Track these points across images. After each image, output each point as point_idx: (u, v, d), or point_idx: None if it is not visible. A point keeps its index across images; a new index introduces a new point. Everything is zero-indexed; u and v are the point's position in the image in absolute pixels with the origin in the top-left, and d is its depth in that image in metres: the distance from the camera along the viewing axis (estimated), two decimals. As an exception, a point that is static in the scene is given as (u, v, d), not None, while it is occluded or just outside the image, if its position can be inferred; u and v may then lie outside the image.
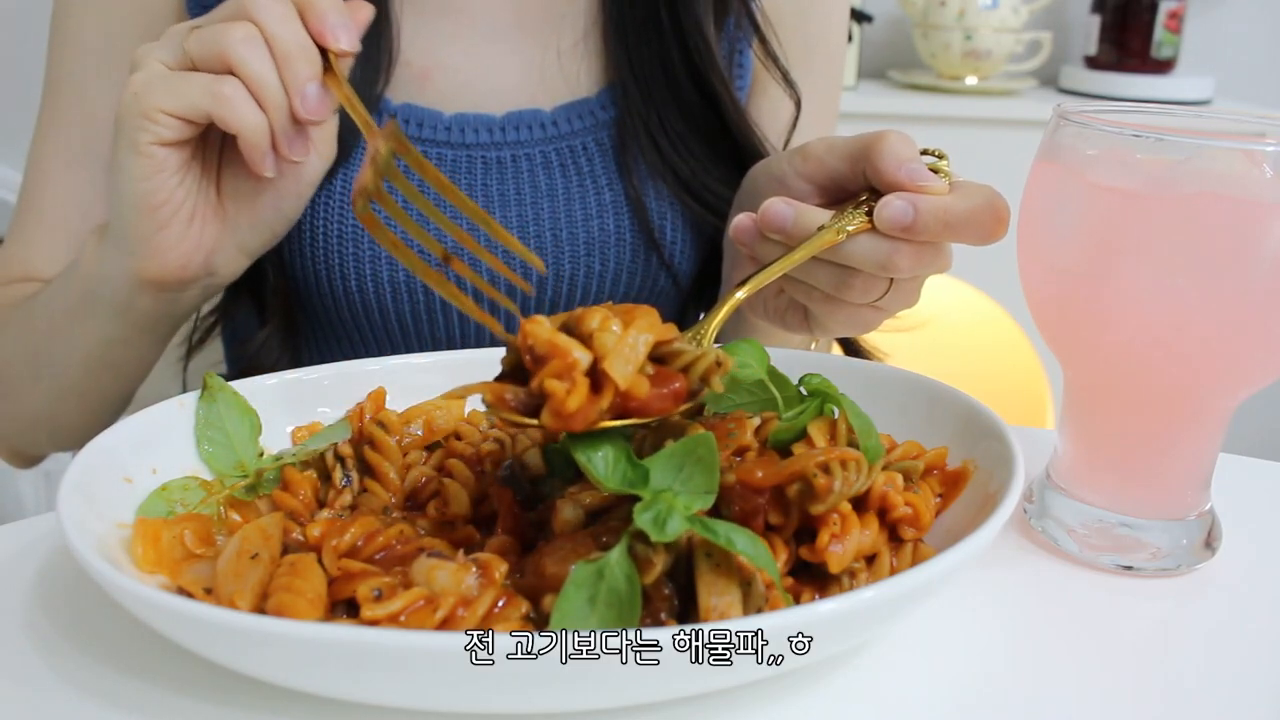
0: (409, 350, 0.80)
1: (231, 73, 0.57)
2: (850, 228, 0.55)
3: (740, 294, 0.56)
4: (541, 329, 0.44)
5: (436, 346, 0.80)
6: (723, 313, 0.56)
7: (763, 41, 0.82)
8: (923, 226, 0.54)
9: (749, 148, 0.80)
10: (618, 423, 0.44)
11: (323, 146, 0.64)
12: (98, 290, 0.67)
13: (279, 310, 0.78)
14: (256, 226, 0.66)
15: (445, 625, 0.39)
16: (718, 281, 0.85)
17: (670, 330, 0.47)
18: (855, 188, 0.59)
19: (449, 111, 0.79)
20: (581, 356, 0.43)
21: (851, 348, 0.83)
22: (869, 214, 0.56)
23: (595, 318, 0.45)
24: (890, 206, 0.54)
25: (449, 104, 0.79)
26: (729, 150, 0.80)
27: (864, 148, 0.57)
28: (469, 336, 0.80)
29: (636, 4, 0.79)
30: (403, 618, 0.40)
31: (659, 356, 0.47)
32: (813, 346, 0.80)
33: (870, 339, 0.83)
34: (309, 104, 0.57)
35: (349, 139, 0.72)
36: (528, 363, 0.44)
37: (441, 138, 0.78)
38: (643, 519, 0.39)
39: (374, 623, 0.39)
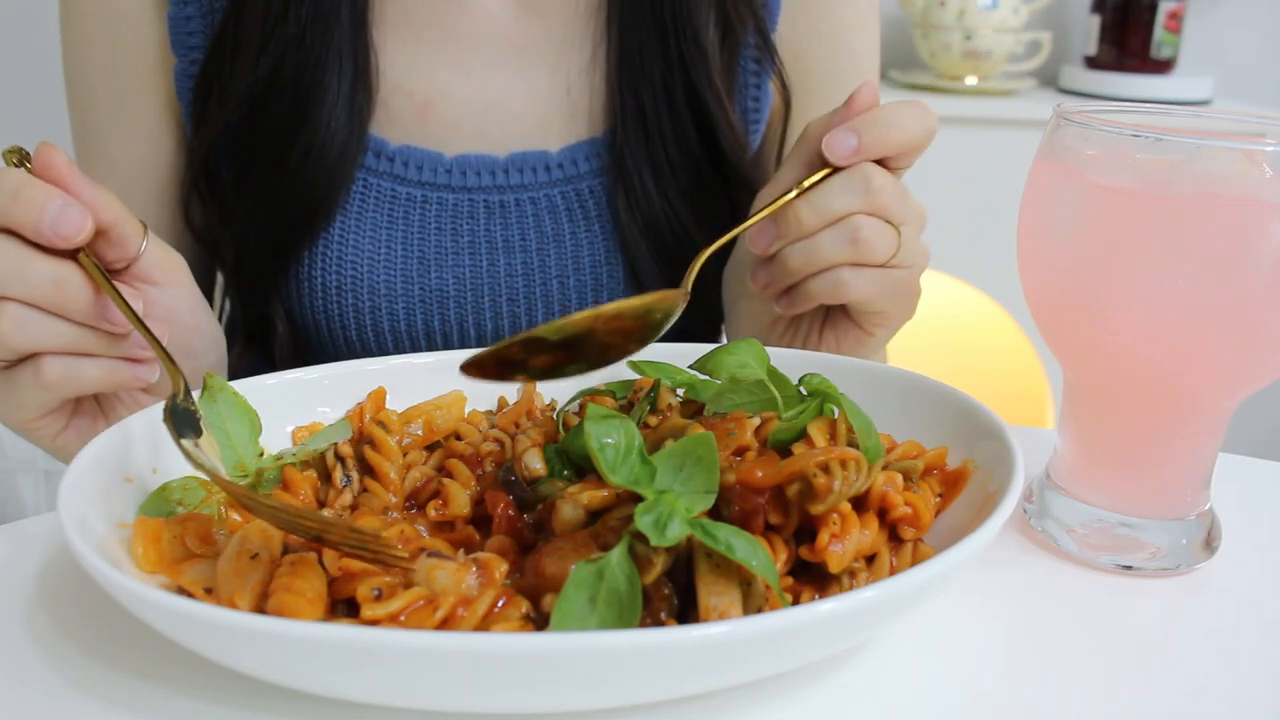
0: None
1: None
2: (807, 183, 0.62)
3: (706, 252, 0.59)
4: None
5: None
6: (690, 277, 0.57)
7: (775, 68, 0.80)
8: (867, 139, 0.60)
9: (745, 183, 0.77)
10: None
11: (158, 274, 0.58)
12: None
13: (289, 361, 0.78)
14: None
15: (445, 625, 0.39)
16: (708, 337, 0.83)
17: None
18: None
19: (450, 152, 0.76)
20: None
21: None
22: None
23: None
24: (834, 136, 0.60)
25: (450, 140, 0.77)
26: (724, 186, 0.78)
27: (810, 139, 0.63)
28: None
29: (641, 38, 0.76)
30: (403, 618, 0.40)
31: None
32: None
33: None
34: (109, 315, 0.53)
35: (332, 190, 0.72)
36: None
37: (442, 181, 0.76)
38: (643, 522, 0.39)
39: (374, 623, 0.39)
